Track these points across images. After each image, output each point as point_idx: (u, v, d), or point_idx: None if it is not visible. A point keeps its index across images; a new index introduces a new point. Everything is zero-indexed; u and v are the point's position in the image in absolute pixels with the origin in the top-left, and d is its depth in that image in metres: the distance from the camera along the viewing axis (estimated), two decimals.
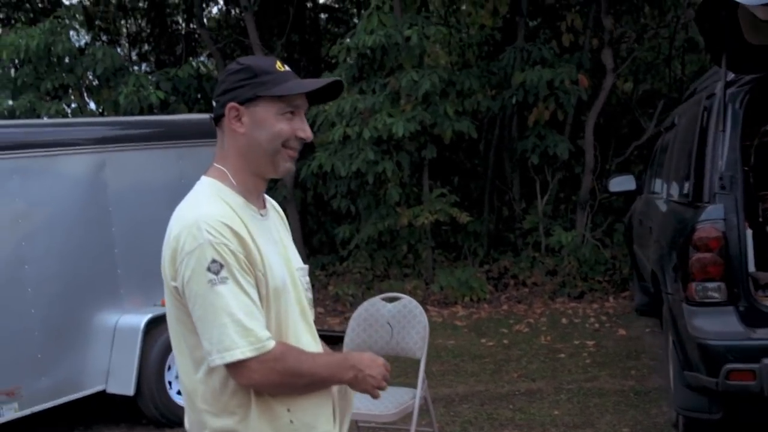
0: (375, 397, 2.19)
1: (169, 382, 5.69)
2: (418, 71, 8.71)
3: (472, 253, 10.57)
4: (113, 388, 5.56)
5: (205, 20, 12.69)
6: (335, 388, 2.21)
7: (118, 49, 12.87)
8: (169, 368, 5.68)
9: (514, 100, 9.47)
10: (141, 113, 9.61)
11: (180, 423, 2.32)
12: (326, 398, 2.17)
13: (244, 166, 2.11)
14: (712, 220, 4.06)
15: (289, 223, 2.37)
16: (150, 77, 10.68)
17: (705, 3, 3.74)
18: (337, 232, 10.21)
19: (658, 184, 6.53)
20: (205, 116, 7.96)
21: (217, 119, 2.11)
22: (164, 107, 10.43)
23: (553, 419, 5.46)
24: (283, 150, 2.09)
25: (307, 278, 2.28)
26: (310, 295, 2.25)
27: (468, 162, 11.97)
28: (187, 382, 2.09)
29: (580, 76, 9.18)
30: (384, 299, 4.71)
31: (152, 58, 13.73)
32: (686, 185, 4.48)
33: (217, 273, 1.93)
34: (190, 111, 10.70)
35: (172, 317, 2.08)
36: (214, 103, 2.12)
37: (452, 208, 9.54)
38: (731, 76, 4.29)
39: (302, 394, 2.08)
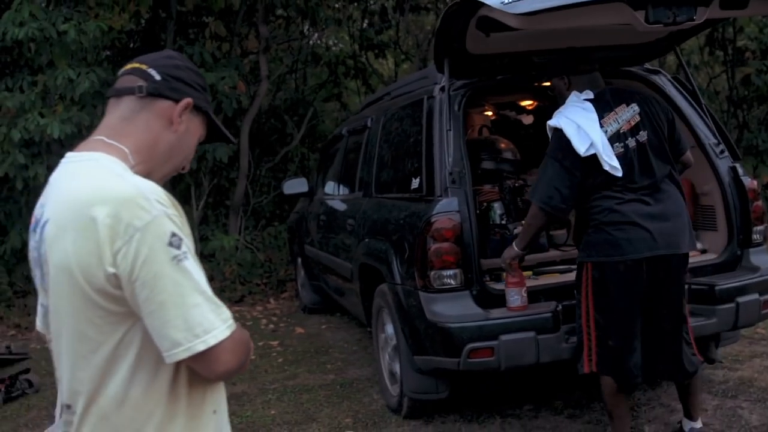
0: None
1: None
2: (74, 69, 8.09)
3: None
4: None
5: None
6: None
7: None
8: None
9: None
10: None
11: None
12: None
13: (148, 158, 1.84)
14: (446, 212, 4.38)
15: None
16: None
17: (451, 12, 4.04)
18: None
19: (341, 186, 6.83)
20: None
21: (154, 95, 1.83)
22: None
23: (273, 419, 5.46)
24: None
25: None
26: None
27: None
28: (106, 401, 1.69)
29: (239, 81, 9.25)
30: None
31: None
32: (414, 181, 4.78)
33: (179, 247, 1.64)
34: None
35: (83, 322, 1.67)
36: (156, 76, 1.84)
37: None
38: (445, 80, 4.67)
39: None
